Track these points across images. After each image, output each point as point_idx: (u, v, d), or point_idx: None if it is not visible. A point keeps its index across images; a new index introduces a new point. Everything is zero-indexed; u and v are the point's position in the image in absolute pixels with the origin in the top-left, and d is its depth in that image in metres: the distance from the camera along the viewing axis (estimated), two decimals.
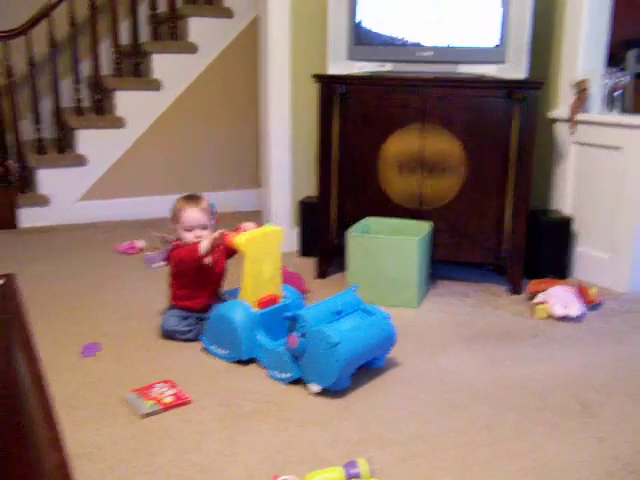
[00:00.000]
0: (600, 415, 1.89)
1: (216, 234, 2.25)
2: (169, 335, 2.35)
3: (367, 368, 2.10)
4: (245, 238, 2.16)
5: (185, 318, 2.37)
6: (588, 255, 3.06)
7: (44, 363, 2.08)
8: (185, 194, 2.46)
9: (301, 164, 3.44)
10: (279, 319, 2.13)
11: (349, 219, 2.90)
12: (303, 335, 1.96)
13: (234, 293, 2.31)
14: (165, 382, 2.00)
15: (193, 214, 2.37)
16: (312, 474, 1.50)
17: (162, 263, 3.20)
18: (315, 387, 1.96)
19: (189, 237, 2.36)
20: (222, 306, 2.23)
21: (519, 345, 2.36)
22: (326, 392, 1.96)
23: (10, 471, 0.75)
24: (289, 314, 2.02)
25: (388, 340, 2.12)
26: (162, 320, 2.39)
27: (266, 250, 2.23)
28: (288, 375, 2.02)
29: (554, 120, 3.20)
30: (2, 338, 1.10)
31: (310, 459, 1.64)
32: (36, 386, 0.92)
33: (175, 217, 2.40)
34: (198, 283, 2.38)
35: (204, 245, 2.25)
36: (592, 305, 2.68)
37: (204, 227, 2.38)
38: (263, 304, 2.21)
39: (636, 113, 2.89)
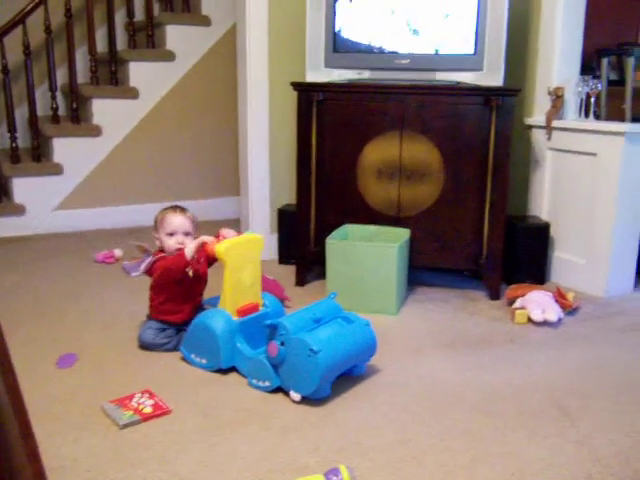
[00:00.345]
0: (578, 419, 1.90)
1: (199, 239, 2.24)
2: (146, 347, 2.33)
3: (347, 376, 2.10)
4: (225, 246, 2.14)
5: (163, 330, 2.34)
6: (565, 260, 3.10)
7: (19, 374, 2.05)
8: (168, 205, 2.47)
9: (280, 172, 3.44)
10: (259, 327, 2.12)
11: (328, 226, 2.91)
12: (282, 343, 1.95)
13: (213, 301, 2.30)
14: (144, 392, 1.98)
15: (177, 219, 2.36)
16: None
17: (141, 271, 3.18)
18: (295, 395, 1.95)
19: (171, 242, 2.34)
20: (201, 315, 2.21)
21: (497, 350, 2.38)
22: (306, 400, 1.95)
23: None
24: (269, 322, 2.00)
25: (369, 347, 2.11)
26: (140, 331, 2.37)
27: (246, 258, 2.21)
28: (267, 384, 2.01)
29: (530, 127, 3.23)
30: None
31: (291, 467, 1.63)
32: (11, 397, 0.91)
33: (158, 224, 2.38)
34: (181, 296, 2.35)
35: (189, 250, 2.23)
36: (570, 310, 2.70)
37: (187, 234, 2.36)
38: (243, 312, 2.19)
39: (610, 120, 2.94)
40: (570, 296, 2.73)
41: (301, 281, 3.07)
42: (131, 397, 1.95)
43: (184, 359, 2.23)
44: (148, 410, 1.88)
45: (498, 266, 2.87)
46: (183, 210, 2.41)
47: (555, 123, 3.05)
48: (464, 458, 1.69)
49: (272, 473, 1.61)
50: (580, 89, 3.06)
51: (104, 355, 2.29)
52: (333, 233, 2.80)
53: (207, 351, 2.15)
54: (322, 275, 2.89)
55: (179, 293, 2.34)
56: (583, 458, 1.70)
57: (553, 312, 2.59)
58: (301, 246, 3.04)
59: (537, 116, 3.19)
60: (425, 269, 3.11)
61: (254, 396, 2.01)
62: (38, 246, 3.70)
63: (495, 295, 2.89)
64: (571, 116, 3.10)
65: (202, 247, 2.23)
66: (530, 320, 2.61)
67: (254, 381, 2.05)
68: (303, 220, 3.01)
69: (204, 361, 2.17)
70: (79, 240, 3.84)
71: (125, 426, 1.81)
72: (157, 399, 1.94)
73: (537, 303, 2.63)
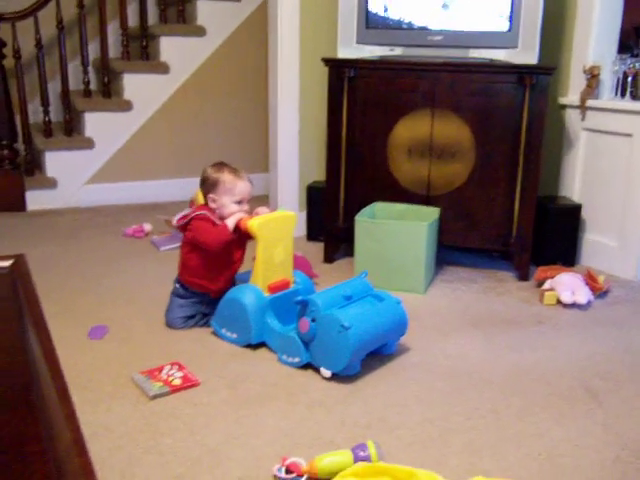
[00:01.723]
0: (606, 402, 1.89)
1: (236, 215, 2.22)
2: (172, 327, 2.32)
3: (377, 354, 2.10)
4: (258, 222, 2.15)
5: (191, 317, 2.32)
6: (596, 242, 3.05)
7: (53, 344, 2.10)
8: (217, 162, 2.36)
9: (309, 148, 3.43)
10: (289, 304, 2.13)
11: (357, 204, 2.90)
12: (313, 320, 1.95)
13: (244, 277, 2.31)
14: (173, 364, 2.01)
15: (247, 187, 2.30)
16: (321, 456, 1.50)
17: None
18: (326, 372, 1.96)
19: (235, 209, 2.26)
20: (233, 290, 2.22)
21: (525, 331, 2.36)
22: (334, 377, 1.96)
23: (25, 448, 0.76)
24: (299, 299, 2.01)
25: (399, 326, 2.10)
26: (167, 312, 2.34)
27: (279, 235, 2.22)
28: (297, 360, 2.02)
29: (564, 106, 3.18)
30: (15, 316, 1.10)
31: (317, 442, 1.65)
32: (49, 365, 0.93)
33: (221, 188, 2.27)
34: (217, 262, 2.30)
35: (230, 222, 2.21)
36: (599, 292, 2.67)
37: (249, 201, 2.32)
38: (274, 289, 2.20)
39: None
40: (600, 279, 2.70)
41: (329, 258, 3.07)
42: (161, 369, 1.98)
43: (215, 333, 2.25)
44: (177, 382, 1.90)
45: (528, 247, 2.84)
46: (242, 172, 2.32)
47: (590, 103, 2.99)
48: (490, 438, 1.69)
49: (298, 447, 1.63)
50: (617, 68, 2.99)
51: (133, 327, 2.32)
52: (362, 211, 2.80)
53: (238, 326, 2.16)
54: (350, 252, 2.89)
55: (216, 257, 2.28)
56: (611, 441, 1.69)
57: (583, 294, 2.57)
58: (330, 223, 3.04)
59: (571, 95, 3.13)
60: (454, 249, 3.10)
61: (281, 371, 2.03)
62: (69, 219, 3.75)
63: (524, 276, 2.87)
64: (607, 96, 3.03)
65: (238, 225, 2.21)
66: (559, 302, 2.59)
67: (284, 357, 2.06)
68: (332, 197, 3.01)
69: (235, 336, 2.18)
70: (109, 214, 3.88)
71: (155, 397, 1.84)
72: (186, 371, 1.97)
73: (567, 285, 2.61)
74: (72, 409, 0.85)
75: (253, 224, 2.14)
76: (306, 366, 2.02)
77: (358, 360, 1.98)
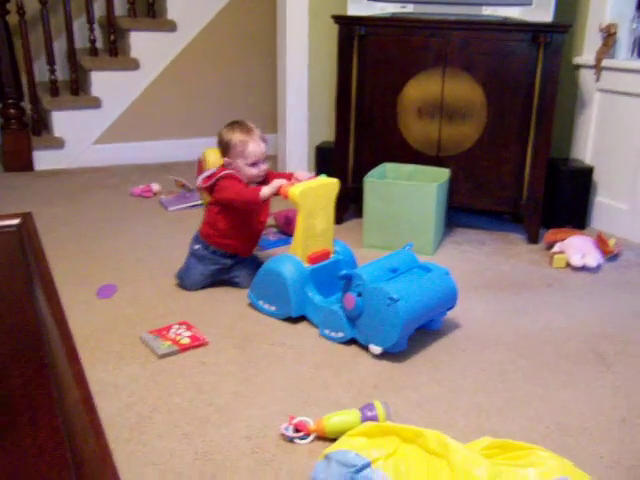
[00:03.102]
0: (615, 364, 1.88)
1: (275, 184, 2.10)
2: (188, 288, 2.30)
3: (425, 330, 2.02)
4: (300, 190, 2.02)
5: (210, 280, 2.30)
6: (607, 205, 3.02)
7: (61, 303, 2.11)
8: (231, 122, 2.29)
9: (318, 108, 3.39)
10: (330, 275, 2.06)
11: (366, 164, 2.87)
12: (359, 294, 1.86)
13: (266, 244, 2.28)
14: (181, 323, 2.01)
15: (259, 147, 2.22)
16: (328, 416, 1.51)
17: (179, 206, 3.20)
18: (376, 349, 1.86)
19: (253, 172, 2.22)
20: (271, 261, 2.12)
21: (535, 294, 2.35)
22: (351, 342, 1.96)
23: (35, 406, 0.76)
24: (344, 273, 1.90)
25: (449, 298, 2.00)
26: (183, 270, 2.31)
27: (320, 203, 2.10)
28: (341, 335, 1.94)
29: (578, 66, 3.11)
30: (22, 275, 1.10)
31: (325, 402, 1.66)
32: (58, 323, 0.92)
33: (234, 150, 2.21)
34: (247, 221, 2.26)
35: (267, 191, 2.10)
36: (610, 256, 2.65)
37: (266, 159, 2.25)
38: (314, 259, 2.10)
39: None
40: (611, 242, 2.67)
41: (338, 219, 3.03)
42: (169, 328, 1.98)
43: (252, 305, 2.18)
44: (186, 341, 1.91)
45: (538, 209, 2.81)
46: (254, 130, 2.24)
47: (605, 62, 2.93)
48: (498, 399, 1.69)
49: (306, 406, 1.64)
50: (635, 26, 2.92)
51: (142, 287, 2.32)
52: (371, 171, 2.77)
53: (277, 298, 2.07)
54: (359, 213, 2.87)
55: (247, 216, 2.25)
56: (619, 403, 1.69)
57: (593, 257, 2.55)
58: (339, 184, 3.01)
59: (586, 55, 3.06)
60: (463, 210, 3.07)
61: (289, 331, 2.03)
62: (77, 179, 3.73)
63: (534, 239, 2.85)
64: (623, 55, 2.96)
65: (277, 191, 2.11)
66: (568, 265, 2.57)
67: (326, 331, 1.98)
68: (341, 158, 2.98)
69: (273, 308, 2.10)
70: (117, 174, 3.86)
71: (163, 356, 1.85)
72: (194, 331, 1.97)
73: (577, 248, 2.59)
74: (81, 368, 0.85)
75: (295, 192, 2.02)
76: (351, 342, 1.94)
77: (407, 335, 1.88)
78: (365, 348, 1.92)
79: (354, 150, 2.96)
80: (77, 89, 3.97)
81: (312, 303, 2.04)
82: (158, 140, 4.20)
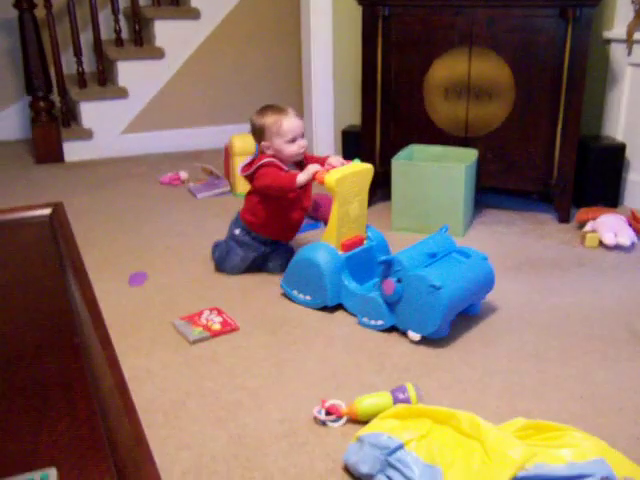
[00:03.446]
0: None
1: (311, 170, 2.07)
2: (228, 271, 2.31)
3: (463, 315, 1.99)
4: (336, 177, 1.98)
5: (251, 261, 2.29)
6: None
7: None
8: (261, 107, 2.25)
9: (344, 92, 3.37)
10: (364, 262, 2.04)
11: (393, 146, 2.85)
12: (399, 280, 1.82)
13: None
14: (212, 309, 2.03)
15: (295, 122, 2.18)
16: (360, 399, 1.51)
17: (207, 193, 3.22)
18: (415, 336, 1.84)
19: (294, 149, 2.18)
20: (305, 249, 2.08)
21: (567, 274, 2.32)
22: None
23: (71, 388, 0.77)
24: (384, 258, 1.86)
25: (487, 283, 1.97)
26: (221, 255, 2.32)
27: (356, 189, 2.06)
28: (380, 322, 1.91)
29: (609, 41, 3.04)
30: (55, 264, 1.12)
31: (357, 385, 1.66)
32: (90, 310, 0.94)
33: (269, 131, 2.18)
34: (290, 208, 2.24)
35: (302, 178, 2.08)
36: None
37: (303, 135, 2.22)
38: (347, 246, 2.06)
39: None
40: None
41: None
42: (200, 314, 2.00)
43: (285, 295, 2.15)
44: (217, 327, 1.93)
45: (569, 188, 2.76)
46: (289, 110, 2.21)
47: (637, 36, 2.86)
48: (531, 380, 1.68)
49: (339, 390, 1.64)
50: None
51: (172, 274, 2.34)
52: (399, 153, 2.75)
53: (312, 287, 2.03)
54: (387, 196, 2.86)
55: (283, 205, 2.23)
56: None
57: (626, 236, 2.50)
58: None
59: (617, 29, 2.99)
60: (493, 191, 3.03)
61: (320, 317, 2.03)
62: (105, 169, 3.77)
63: (565, 218, 2.81)
64: None
65: (313, 177, 2.08)
66: (601, 244, 2.53)
67: (365, 319, 1.95)
68: (368, 140, 2.96)
69: (308, 298, 2.06)
70: (145, 163, 3.89)
71: (195, 342, 1.87)
72: (225, 316, 1.99)
73: (609, 226, 2.54)
74: (114, 353, 0.87)
75: (331, 179, 1.97)
76: (391, 329, 1.91)
77: (448, 322, 1.85)
78: (400, 332, 1.90)
79: (381, 133, 2.94)
80: (104, 80, 4.00)
81: (348, 291, 2.00)
82: (185, 128, 4.22)
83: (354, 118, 3.33)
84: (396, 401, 1.50)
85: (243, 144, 3.16)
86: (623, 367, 1.74)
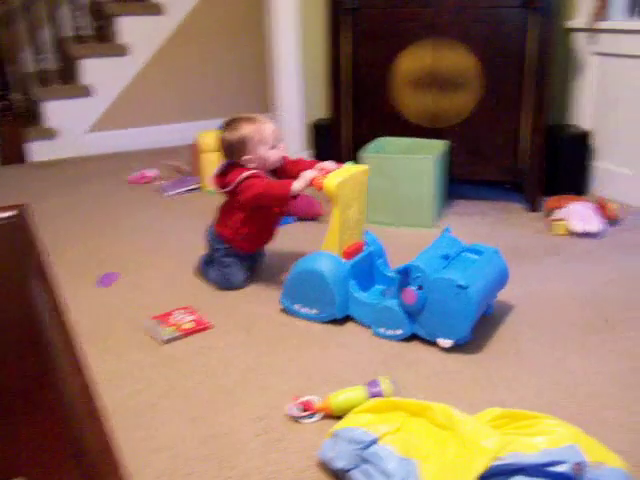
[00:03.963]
0: (621, 330, 1.87)
1: (307, 176, 1.94)
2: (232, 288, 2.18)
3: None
4: (337, 181, 1.86)
5: (246, 268, 2.19)
6: (607, 170, 3.00)
7: (61, 294, 2.09)
8: (227, 122, 2.12)
9: (313, 85, 3.35)
10: (366, 269, 1.98)
11: (362, 139, 2.84)
12: (420, 287, 1.73)
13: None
14: (184, 308, 2.00)
15: (273, 127, 2.09)
16: (334, 394, 1.50)
17: (176, 191, 3.18)
18: (446, 342, 1.74)
19: (277, 154, 2.09)
20: (306, 260, 1.95)
21: (539, 262, 2.34)
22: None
23: (36, 396, 0.75)
24: (401, 267, 1.75)
25: (503, 277, 1.91)
26: (225, 271, 2.16)
27: (355, 193, 1.96)
28: (399, 332, 1.81)
29: (572, 30, 3.07)
30: (18, 267, 1.09)
31: (332, 380, 1.65)
32: (56, 314, 0.91)
33: (250, 142, 2.05)
34: (266, 220, 2.16)
35: (298, 185, 1.93)
36: (612, 221, 2.64)
37: (282, 139, 2.13)
38: (349, 254, 1.94)
39: None
40: (612, 207, 2.65)
41: None
42: (171, 313, 1.97)
43: (285, 311, 2.01)
44: (189, 325, 1.90)
45: (538, 177, 2.79)
46: (259, 116, 2.11)
47: (600, 24, 2.89)
48: (509, 368, 1.69)
49: (313, 385, 1.63)
50: None
51: (142, 274, 2.31)
52: (368, 146, 2.74)
53: (317, 300, 1.91)
54: None
55: (267, 218, 2.14)
56: (624, 368, 1.68)
57: (594, 223, 2.53)
58: (335, 160, 2.98)
59: (580, 18, 3.02)
60: (463, 182, 3.05)
61: None
62: (72, 169, 3.71)
63: (535, 207, 2.83)
64: (619, 16, 2.92)
65: (310, 184, 1.95)
66: (570, 232, 2.56)
67: (381, 330, 1.84)
68: (337, 134, 2.95)
69: (314, 311, 1.94)
70: (112, 162, 3.84)
71: (167, 341, 1.84)
72: (197, 315, 1.96)
73: (577, 214, 2.57)
74: (80, 358, 0.85)
75: (331, 184, 1.86)
76: (411, 338, 1.82)
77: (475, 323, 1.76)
78: (422, 340, 1.82)
79: (350, 126, 2.94)
80: (67, 78, 3.93)
81: (358, 301, 1.90)
82: (152, 125, 4.17)
83: (324, 111, 3.32)
84: (371, 395, 1.49)
85: (211, 140, 3.13)
86: (595, 353, 1.76)
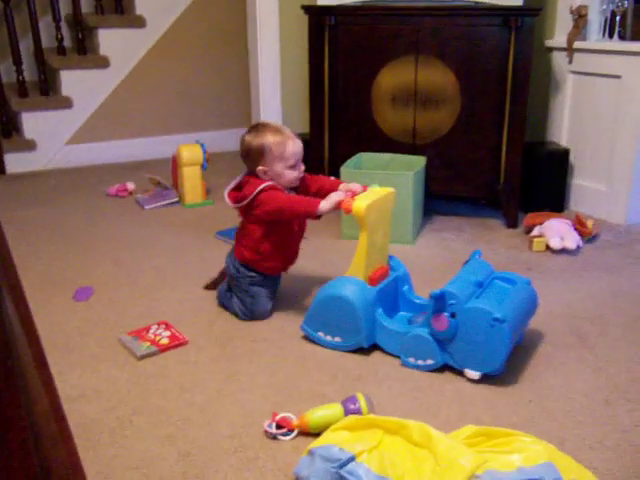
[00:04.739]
0: (596, 346, 1.89)
1: (334, 199, 1.84)
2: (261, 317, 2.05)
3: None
4: (366, 204, 1.78)
5: (271, 296, 2.07)
6: (585, 187, 3.03)
7: (35, 308, 2.05)
8: (253, 125, 2.03)
9: (292, 100, 3.36)
10: (391, 295, 1.92)
11: (342, 155, 2.85)
12: (453, 315, 1.67)
13: (227, 233, 2.23)
14: (160, 324, 1.99)
15: (298, 145, 1.96)
16: (311, 411, 1.50)
17: (155, 205, 3.16)
18: (474, 374, 1.69)
19: (294, 175, 1.97)
20: (330, 285, 1.87)
21: None
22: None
23: (3, 414, 0.73)
24: (436, 292, 1.67)
25: (534, 308, 1.86)
26: (248, 301, 2.03)
27: (381, 216, 1.90)
28: (430, 362, 1.74)
29: (551, 49, 3.11)
30: None
31: (308, 396, 1.64)
32: (25, 329, 0.90)
33: (270, 155, 1.94)
34: (286, 236, 2.03)
35: (326, 206, 1.83)
36: (589, 237, 2.66)
37: (302, 159, 2.01)
38: (376, 279, 1.87)
39: (636, 40, 2.81)
40: (589, 224, 2.68)
41: None
42: (148, 329, 1.95)
43: (308, 338, 1.93)
44: (165, 341, 1.88)
45: (516, 194, 2.81)
46: (287, 130, 1.99)
47: (577, 44, 2.93)
48: (482, 387, 1.69)
49: (290, 402, 1.62)
50: (605, 7, 2.92)
51: (119, 288, 2.29)
52: (347, 162, 2.75)
53: (342, 328, 1.83)
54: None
55: (287, 235, 2.02)
56: (601, 385, 1.69)
57: (572, 240, 2.55)
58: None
59: (558, 37, 3.06)
60: (441, 198, 3.06)
61: (270, 327, 2.01)
62: (50, 181, 3.67)
63: (512, 223, 2.85)
64: (594, 37, 2.96)
65: (337, 206, 1.85)
66: (548, 248, 2.58)
67: (411, 360, 1.77)
68: (316, 149, 2.96)
69: (338, 339, 1.85)
70: (91, 174, 3.81)
71: (143, 357, 1.82)
72: (174, 330, 1.95)
73: (556, 231, 2.59)
74: (49, 374, 0.83)
75: (360, 207, 1.78)
76: (443, 368, 1.75)
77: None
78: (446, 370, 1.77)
79: (329, 141, 2.94)
80: (46, 89, 3.90)
81: (386, 329, 1.82)
82: (131, 138, 4.14)
83: (303, 126, 3.32)
84: (347, 412, 1.49)
85: (190, 154, 3.12)
86: (569, 369, 1.77)
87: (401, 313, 1.98)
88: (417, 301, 1.96)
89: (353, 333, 1.82)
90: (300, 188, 2.04)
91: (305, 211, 1.90)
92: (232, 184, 2.02)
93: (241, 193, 1.97)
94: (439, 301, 1.68)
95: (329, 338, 1.87)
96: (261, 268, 2.03)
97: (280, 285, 2.17)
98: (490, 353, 1.64)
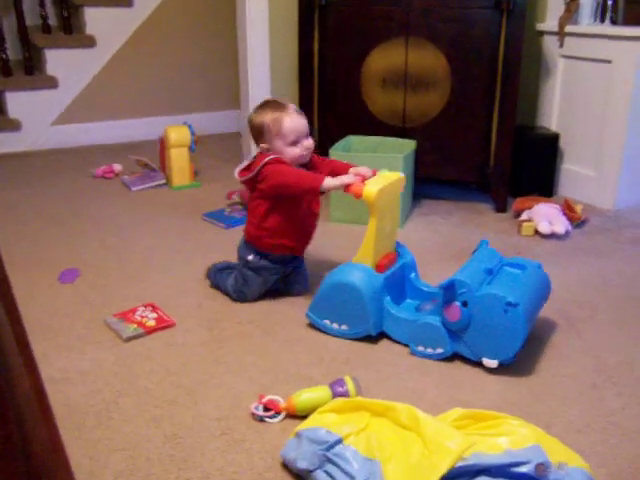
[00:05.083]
0: (585, 330, 1.89)
1: (342, 181, 1.80)
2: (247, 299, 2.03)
3: None
4: (377, 189, 1.74)
5: (272, 283, 2.04)
6: (574, 172, 3.03)
7: (19, 289, 2.04)
8: (262, 102, 2.00)
9: (281, 82, 3.32)
10: (398, 282, 1.89)
11: (331, 137, 2.82)
12: (465, 304, 1.64)
13: (215, 215, 2.20)
14: (147, 305, 1.97)
15: (297, 120, 1.91)
16: (298, 393, 1.49)
17: (142, 186, 3.13)
18: (492, 363, 1.65)
19: (296, 151, 1.92)
20: (337, 271, 1.83)
21: None
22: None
23: None
24: (446, 282, 1.65)
25: (547, 292, 1.83)
26: (237, 284, 2.02)
27: (391, 202, 1.86)
28: (440, 351, 1.71)
29: (542, 33, 3.09)
30: None
31: (296, 379, 1.63)
32: (7, 310, 0.88)
33: (269, 134, 1.92)
34: (299, 213, 1.97)
35: (331, 184, 1.80)
36: (577, 222, 2.66)
37: (308, 135, 1.95)
38: (383, 266, 1.83)
39: (628, 25, 2.79)
40: (578, 208, 2.68)
41: None
42: (134, 310, 1.93)
43: (313, 326, 1.90)
44: (151, 323, 1.87)
45: (505, 178, 2.80)
46: (290, 106, 1.94)
47: (568, 28, 2.91)
48: (471, 369, 1.69)
49: (276, 384, 1.61)
50: None
51: (105, 270, 2.27)
52: (336, 144, 2.73)
53: (349, 316, 1.80)
54: None
55: (295, 213, 1.96)
56: (588, 368, 1.70)
57: (561, 224, 2.55)
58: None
59: (550, 21, 3.04)
60: (431, 181, 3.05)
61: (258, 309, 2.00)
62: (36, 162, 3.63)
63: (502, 208, 2.84)
64: (586, 21, 2.94)
65: (345, 189, 1.81)
66: (537, 232, 2.58)
67: (420, 348, 1.74)
68: None
69: (344, 327, 1.82)
70: (77, 155, 3.77)
71: (129, 339, 1.80)
72: (160, 312, 1.93)
73: (544, 215, 2.59)
74: (31, 356, 0.81)
75: (371, 192, 1.74)
76: (453, 357, 1.72)
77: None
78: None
79: (318, 123, 2.92)
80: (31, 68, 3.84)
81: (394, 317, 1.79)
82: (118, 119, 4.10)
83: None
84: (335, 394, 1.48)
85: (178, 135, 3.09)
86: (558, 353, 1.77)
87: (408, 300, 1.95)
88: (424, 289, 1.93)
89: (360, 321, 1.79)
90: (311, 170, 1.98)
91: (310, 186, 1.85)
92: (244, 163, 1.99)
93: (249, 170, 1.95)
94: (449, 291, 1.65)
95: (335, 326, 1.84)
96: (265, 245, 1.98)
97: (304, 273, 2.11)
98: (506, 340, 1.61)
